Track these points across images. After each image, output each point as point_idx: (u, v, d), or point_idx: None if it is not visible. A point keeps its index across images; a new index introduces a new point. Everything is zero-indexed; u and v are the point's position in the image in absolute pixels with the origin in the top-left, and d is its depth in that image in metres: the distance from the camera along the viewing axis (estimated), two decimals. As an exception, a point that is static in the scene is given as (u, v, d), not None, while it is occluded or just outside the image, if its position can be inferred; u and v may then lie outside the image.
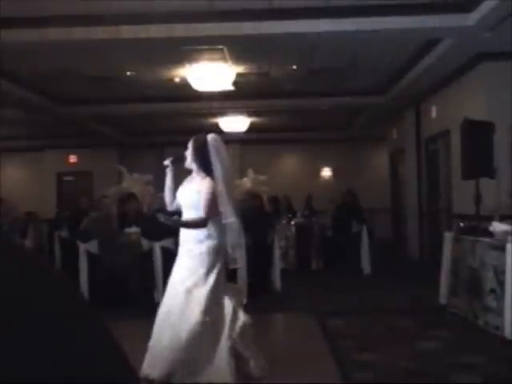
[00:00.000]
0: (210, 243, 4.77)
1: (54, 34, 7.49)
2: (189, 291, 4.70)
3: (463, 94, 10.02)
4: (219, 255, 4.79)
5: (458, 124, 8.32)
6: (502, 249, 6.08)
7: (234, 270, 8.58)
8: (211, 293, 4.68)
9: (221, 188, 4.77)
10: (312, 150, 18.68)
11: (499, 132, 7.95)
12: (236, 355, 4.70)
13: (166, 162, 5.05)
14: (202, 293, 4.68)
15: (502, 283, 6.08)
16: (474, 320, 6.78)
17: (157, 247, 8.29)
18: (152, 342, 4.81)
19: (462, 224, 7.65)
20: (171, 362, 4.63)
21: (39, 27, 7.40)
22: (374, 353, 5.70)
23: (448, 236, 7.69)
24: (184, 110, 13.66)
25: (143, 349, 6.45)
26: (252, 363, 4.82)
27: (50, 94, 11.98)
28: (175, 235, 8.50)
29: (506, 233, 6.41)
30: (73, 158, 19.02)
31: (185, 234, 4.87)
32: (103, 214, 9.15)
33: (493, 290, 6.30)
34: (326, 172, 19.27)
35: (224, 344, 4.64)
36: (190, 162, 4.94)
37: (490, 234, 6.64)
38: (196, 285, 4.70)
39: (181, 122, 15.65)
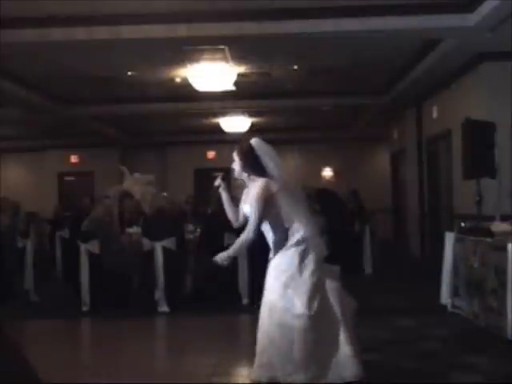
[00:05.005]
0: (294, 249, 4.56)
1: (55, 34, 7.48)
2: (286, 285, 4.50)
3: (464, 94, 10.01)
4: (309, 246, 4.55)
5: (459, 124, 8.32)
6: (503, 249, 6.07)
7: (235, 271, 8.60)
8: (310, 285, 4.47)
9: (281, 188, 4.56)
10: (313, 150, 18.67)
11: (500, 132, 7.95)
12: (356, 344, 4.46)
13: (217, 183, 4.81)
14: (300, 286, 4.47)
15: (503, 283, 6.07)
16: (474, 320, 6.78)
17: (158, 247, 8.28)
18: (260, 342, 4.56)
19: (463, 224, 7.64)
20: (289, 361, 4.41)
21: (39, 27, 7.40)
22: (374, 353, 5.69)
23: (449, 236, 7.68)
24: (185, 110, 13.66)
25: (144, 348, 6.47)
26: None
27: (50, 94, 11.98)
28: (176, 235, 8.55)
29: (507, 233, 6.40)
30: (74, 158, 19.02)
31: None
32: (104, 214, 9.14)
33: (494, 291, 6.30)
34: (327, 172, 19.28)
35: (342, 333, 4.44)
36: (239, 171, 4.72)
37: (491, 234, 6.63)
38: (292, 278, 4.49)
39: (182, 122, 15.67)
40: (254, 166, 4.66)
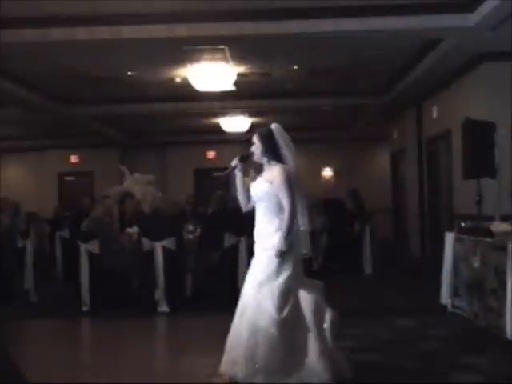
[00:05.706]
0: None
1: (55, 34, 7.48)
2: (261, 285, 4.54)
3: (464, 94, 10.01)
4: (291, 248, 4.58)
5: (459, 124, 8.32)
6: (503, 249, 6.07)
7: (236, 270, 8.60)
8: (284, 288, 4.51)
9: (292, 174, 4.65)
10: (313, 150, 18.65)
11: (500, 132, 7.95)
12: (329, 355, 4.49)
13: (234, 163, 4.82)
14: (273, 288, 4.50)
15: (503, 283, 6.07)
16: (474, 320, 6.78)
17: (158, 247, 8.28)
18: (230, 339, 4.65)
19: (463, 224, 7.64)
20: (252, 362, 4.43)
21: (39, 27, 7.40)
22: (374, 353, 5.70)
23: (449, 236, 7.68)
24: (185, 110, 13.65)
25: (144, 348, 6.47)
26: (344, 364, 4.62)
27: (50, 94, 11.98)
28: (176, 235, 8.55)
29: (507, 233, 6.40)
30: (74, 158, 19.03)
31: (257, 230, 4.74)
32: (104, 214, 9.14)
33: (494, 290, 6.30)
34: (327, 172, 19.28)
35: (313, 343, 4.47)
36: (260, 155, 4.77)
37: (491, 234, 6.63)
38: (268, 279, 4.53)
39: (182, 121, 15.66)
40: (273, 150, 4.75)
